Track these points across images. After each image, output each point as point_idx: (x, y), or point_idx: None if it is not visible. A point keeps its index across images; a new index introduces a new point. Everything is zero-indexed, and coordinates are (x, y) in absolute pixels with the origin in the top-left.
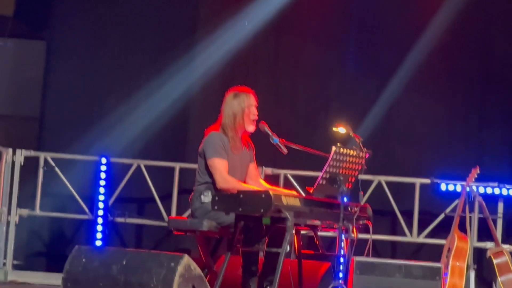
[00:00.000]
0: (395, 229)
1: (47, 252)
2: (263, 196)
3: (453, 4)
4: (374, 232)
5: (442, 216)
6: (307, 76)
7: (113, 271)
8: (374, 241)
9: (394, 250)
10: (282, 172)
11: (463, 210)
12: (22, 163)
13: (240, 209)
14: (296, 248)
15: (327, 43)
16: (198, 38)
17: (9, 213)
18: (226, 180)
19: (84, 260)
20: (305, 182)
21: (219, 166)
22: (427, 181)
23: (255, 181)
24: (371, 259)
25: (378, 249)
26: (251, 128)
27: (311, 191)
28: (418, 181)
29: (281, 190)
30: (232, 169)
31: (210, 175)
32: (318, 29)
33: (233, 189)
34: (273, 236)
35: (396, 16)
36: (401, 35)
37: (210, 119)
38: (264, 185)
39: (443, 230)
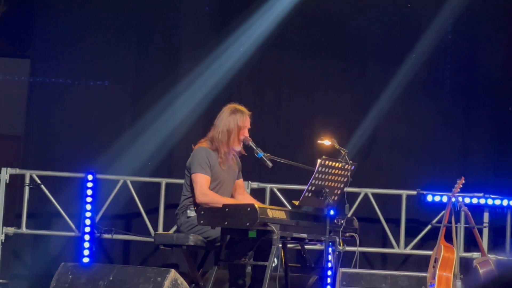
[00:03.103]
0: (383, 241)
1: (34, 270)
2: (249, 209)
3: (440, 19)
4: (363, 244)
5: (428, 227)
6: (291, 88)
7: (100, 287)
8: (365, 253)
9: (384, 261)
10: (268, 186)
11: (449, 221)
12: (7, 181)
13: (226, 223)
14: (283, 261)
15: (312, 55)
16: (183, 66)
17: None
18: (205, 194)
19: (70, 276)
20: (291, 195)
21: (201, 181)
22: (413, 192)
23: (242, 194)
24: (356, 270)
25: (371, 260)
26: (238, 148)
27: (297, 204)
28: (405, 192)
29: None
30: (220, 183)
31: None
32: (302, 41)
33: (212, 203)
34: (260, 249)
35: (382, 28)
36: (387, 47)
37: (196, 135)
38: (250, 198)
39: (430, 240)
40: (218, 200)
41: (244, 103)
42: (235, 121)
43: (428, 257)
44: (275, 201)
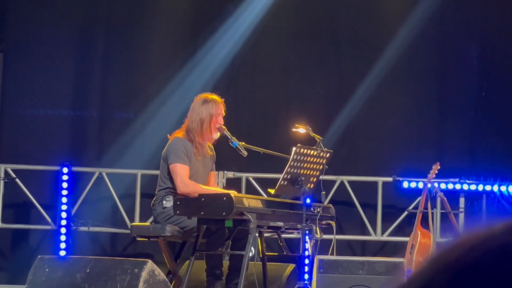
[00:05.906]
0: (360, 228)
1: (11, 264)
2: (225, 199)
3: (417, 8)
4: (341, 232)
5: (405, 213)
6: (265, 75)
7: (77, 280)
8: (343, 240)
9: (363, 247)
10: (243, 175)
11: (425, 207)
12: None
13: (202, 213)
14: (260, 250)
15: (286, 41)
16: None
17: None
18: (186, 184)
19: (47, 270)
20: (267, 184)
21: (181, 171)
22: (389, 179)
23: (213, 185)
24: (333, 257)
25: (349, 247)
26: (215, 136)
27: (272, 192)
28: (381, 179)
29: None
30: (195, 174)
31: (172, 180)
32: (277, 27)
33: (194, 193)
34: (236, 238)
35: (357, 13)
36: (361, 32)
37: (172, 125)
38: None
39: (406, 227)
40: (199, 190)
41: (218, 91)
42: (207, 110)
43: (405, 243)
44: (251, 190)
